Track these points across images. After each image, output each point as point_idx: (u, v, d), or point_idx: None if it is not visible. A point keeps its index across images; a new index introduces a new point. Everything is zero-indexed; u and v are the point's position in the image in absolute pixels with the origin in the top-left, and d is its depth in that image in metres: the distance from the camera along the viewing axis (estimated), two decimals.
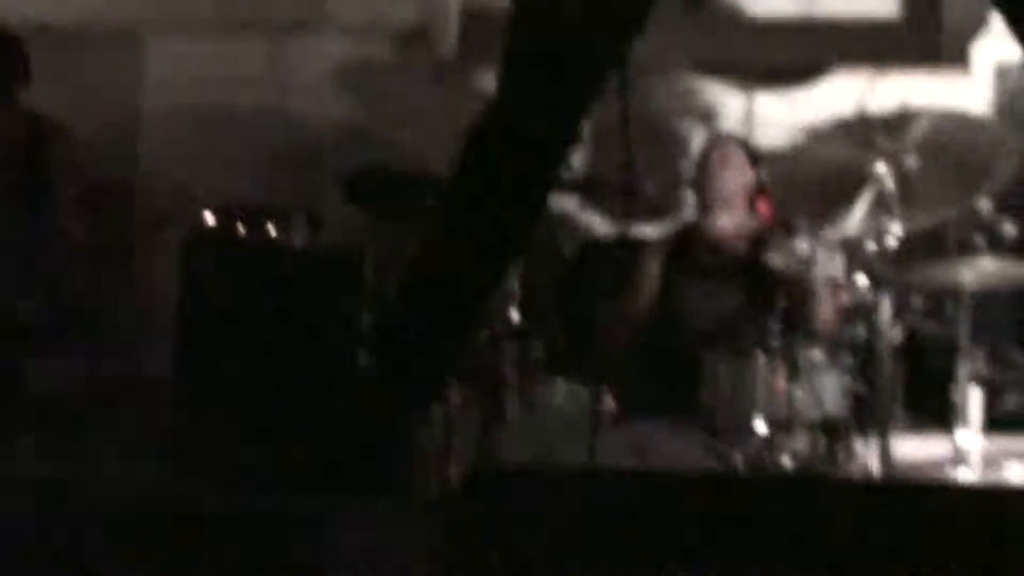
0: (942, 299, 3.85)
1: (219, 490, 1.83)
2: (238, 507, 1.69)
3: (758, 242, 4.27)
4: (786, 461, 3.36)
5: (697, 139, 4.56)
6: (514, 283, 3.91)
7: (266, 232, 4.93)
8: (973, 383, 3.55)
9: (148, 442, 4.98)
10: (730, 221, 4.40)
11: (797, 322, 3.64)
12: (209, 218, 4.90)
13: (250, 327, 4.85)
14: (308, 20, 5.72)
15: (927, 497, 1.40)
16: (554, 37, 1.96)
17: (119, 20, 5.64)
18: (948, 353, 3.61)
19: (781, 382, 3.49)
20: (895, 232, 3.52)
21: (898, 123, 3.87)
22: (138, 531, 1.65)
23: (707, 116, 5.36)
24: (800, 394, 3.46)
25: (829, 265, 3.70)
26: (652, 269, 4.41)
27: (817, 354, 3.56)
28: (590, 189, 4.44)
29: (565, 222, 4.82)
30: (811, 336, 3.65)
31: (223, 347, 4.85)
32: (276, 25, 5.77)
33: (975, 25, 5.03)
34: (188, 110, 5.74)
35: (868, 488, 1.83)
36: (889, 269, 3.46)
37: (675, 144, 4.85)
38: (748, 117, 5.32)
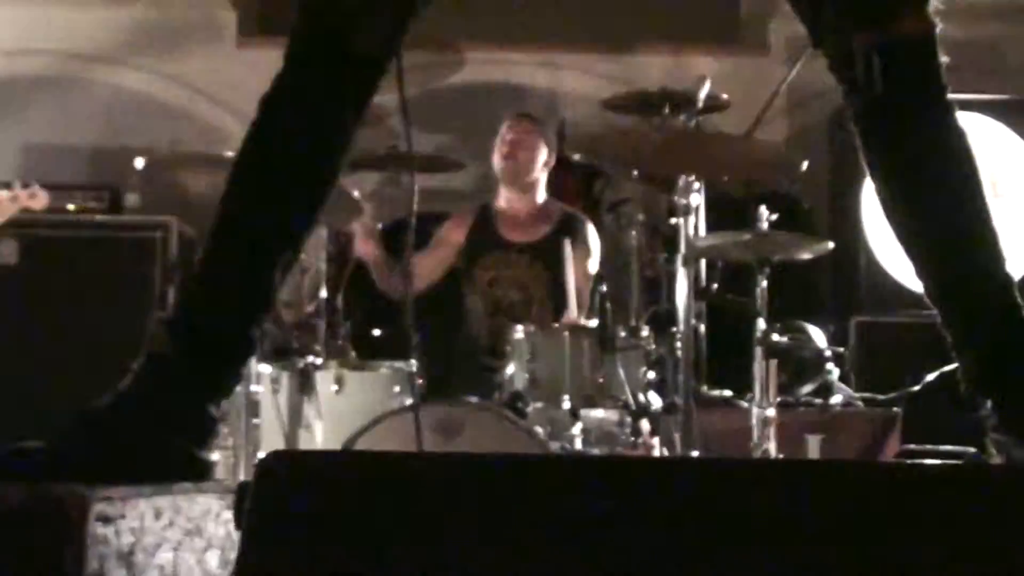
0: (740, 272, 3.86)
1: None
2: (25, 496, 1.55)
3: (561, 222, 4.26)
4: (594, 438, 3.33)
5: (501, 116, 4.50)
6: (323, 263, 3.82)
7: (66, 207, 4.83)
8: (767, 356, 3.56)
9: None
10: (527, 200, 4.37)
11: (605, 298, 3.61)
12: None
13: (48, 305, 4.75)
14: None
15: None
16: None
17: None
18: (747, 326, 3.63)
19: (587, 358, 3.46)
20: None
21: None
22: None
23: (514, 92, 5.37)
24: (607, 370, 3.43)
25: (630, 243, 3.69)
26: (452, 238, 4.38)
27: (622, 330, 3.53)
28: (391, 165, 4.33)
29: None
30: (617, 312, 3.62)
31: (19, 326, 4.75)
32: None
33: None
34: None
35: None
36: (690, 243, 3.44)
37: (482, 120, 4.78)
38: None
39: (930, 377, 3.48)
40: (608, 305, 3.54)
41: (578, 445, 3.30)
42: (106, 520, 1.55)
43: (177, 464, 1.79)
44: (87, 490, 1.54)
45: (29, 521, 1.52)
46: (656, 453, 3.27)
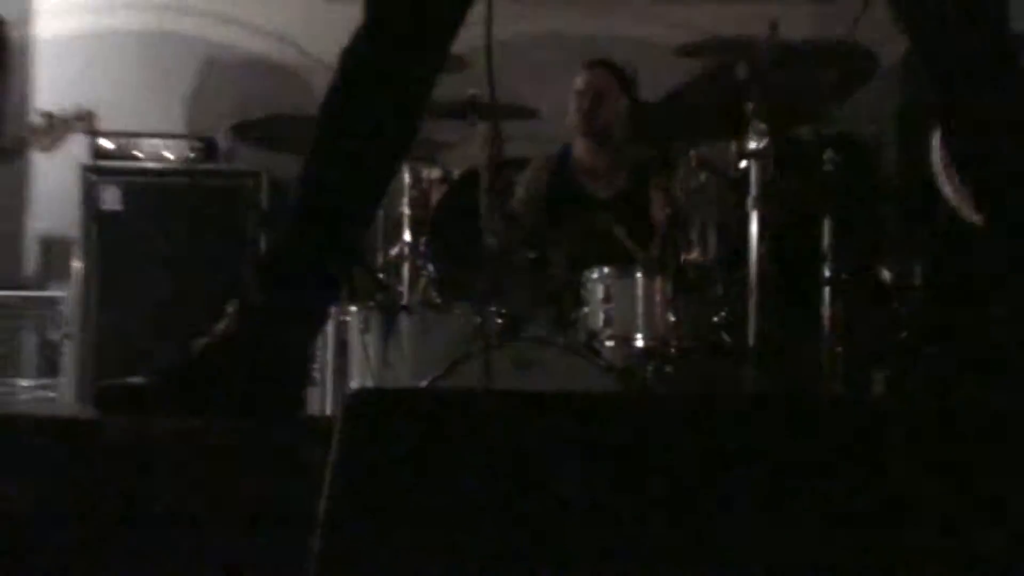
0: (808, 215, 3.81)
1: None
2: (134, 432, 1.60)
3: (637, 168, 4.22)
4: (667, 378, 3.34)
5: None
6: (405, 207, 3.85)
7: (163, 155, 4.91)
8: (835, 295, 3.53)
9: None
10: (604, 149, 4.33)
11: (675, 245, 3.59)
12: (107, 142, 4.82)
13: (151, 246, 4.86)
14: None
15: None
16: None
17: None
18: (815, 268, 3.60)
19: (661, 300, 3.46)
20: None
21: None
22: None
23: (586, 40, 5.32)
24: (680, 311, 3.43)
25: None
26: (532, 186, 4.34)
27: (694, 273, 3.52)
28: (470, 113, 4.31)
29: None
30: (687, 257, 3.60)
31: (125, 266, 4.85)
32: None
33: None
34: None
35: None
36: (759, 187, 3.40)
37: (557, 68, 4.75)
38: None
39: None
40: (680, 247, 3.53)
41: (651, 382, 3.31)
42: (190, 449, 1.59)
43: (270, 399, 1.84)
44: (171, 422, 1.59)
45: (116, 450, 1.57)
46: None
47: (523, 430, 1.21)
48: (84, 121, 3.33)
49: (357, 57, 1.91)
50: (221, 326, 1.90)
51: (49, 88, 5.55)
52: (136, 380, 1.81)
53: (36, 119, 3.34)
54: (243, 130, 4.39)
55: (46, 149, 3.44)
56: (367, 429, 1.31)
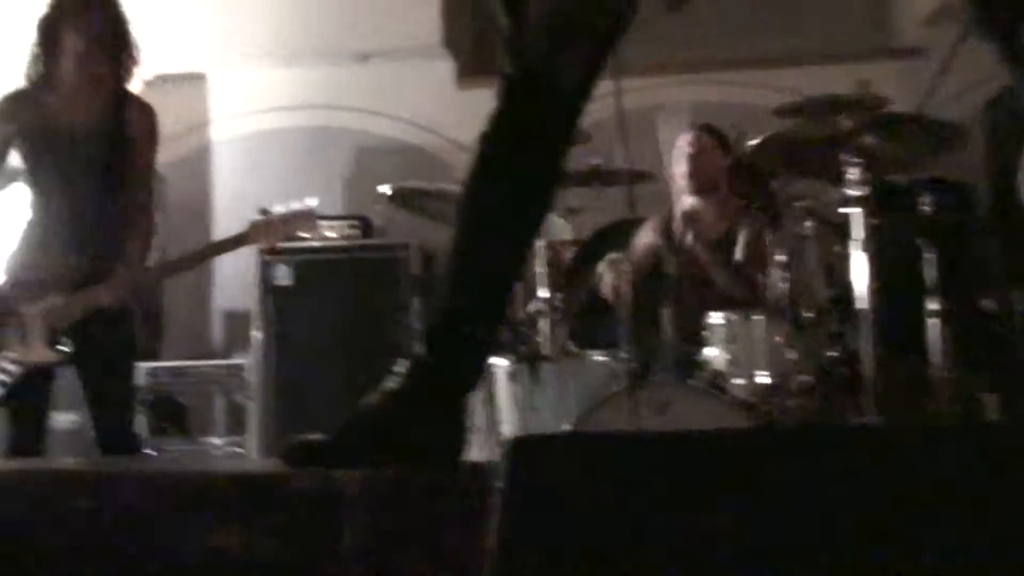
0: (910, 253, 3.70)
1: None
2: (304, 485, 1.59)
3: (737, 217, 4.16)
4: (791, 413, 3.24)
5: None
6: (542, 267, 3.84)
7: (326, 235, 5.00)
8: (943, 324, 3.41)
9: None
10: (707, 202, 4.27)
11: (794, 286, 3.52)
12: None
13: (319, 316, 4.95)
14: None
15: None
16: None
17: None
18: (921, 302, 3.49)
19: (781, 339, 3.38)
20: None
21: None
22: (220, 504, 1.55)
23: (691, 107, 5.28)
24: (798, 349, 3.35)
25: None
26: (645, 242, 4.31)
27: (807, 311, 3.43)
28: (594, 181, 4.29)
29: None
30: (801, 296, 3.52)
31: (298, 334, 4.96)
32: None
33: None
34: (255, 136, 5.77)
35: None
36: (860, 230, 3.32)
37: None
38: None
39: None
40: (794, 290, 3.46)
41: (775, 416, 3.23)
42: (368, 501, 1.59)
43: (431, 454, 1.82)
44: (353, 475, 1.58)
45: (305, 502, 1.56)
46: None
47: (684, 468, 1.17)
48: (306, 219, 3.29)
49: (494, 138, 1.90)
50: (391, 384, 1.89)
51: (225, 183, 5.72)
52: (318, 437, 1.82)
53: (257, 217, 3.33)
54: (395, 200, 4.45)
55: (269, 245, 3.43)
56: (533, 474, 1.28)
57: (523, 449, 1.34)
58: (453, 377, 1.87)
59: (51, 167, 3.18)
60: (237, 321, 5.42)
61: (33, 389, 3.15)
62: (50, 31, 3.17)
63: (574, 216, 4.28)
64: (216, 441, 5.00)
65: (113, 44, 3.19)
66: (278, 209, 3.32)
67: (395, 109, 5.70)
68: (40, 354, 3.08)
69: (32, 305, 3.09)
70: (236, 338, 5.44)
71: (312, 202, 3.35)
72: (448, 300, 1.92)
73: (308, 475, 1.58)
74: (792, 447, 1.18)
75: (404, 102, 5.70)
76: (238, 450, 4.95)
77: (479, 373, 1.98)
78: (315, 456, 1.74)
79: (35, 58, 3.21)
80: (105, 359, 3.16)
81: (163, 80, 4.81)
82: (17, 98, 3.24)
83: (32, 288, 3.11)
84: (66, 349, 3.08)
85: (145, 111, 3.27)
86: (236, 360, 5.20)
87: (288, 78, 5.76)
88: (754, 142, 3.89)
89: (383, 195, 4.22)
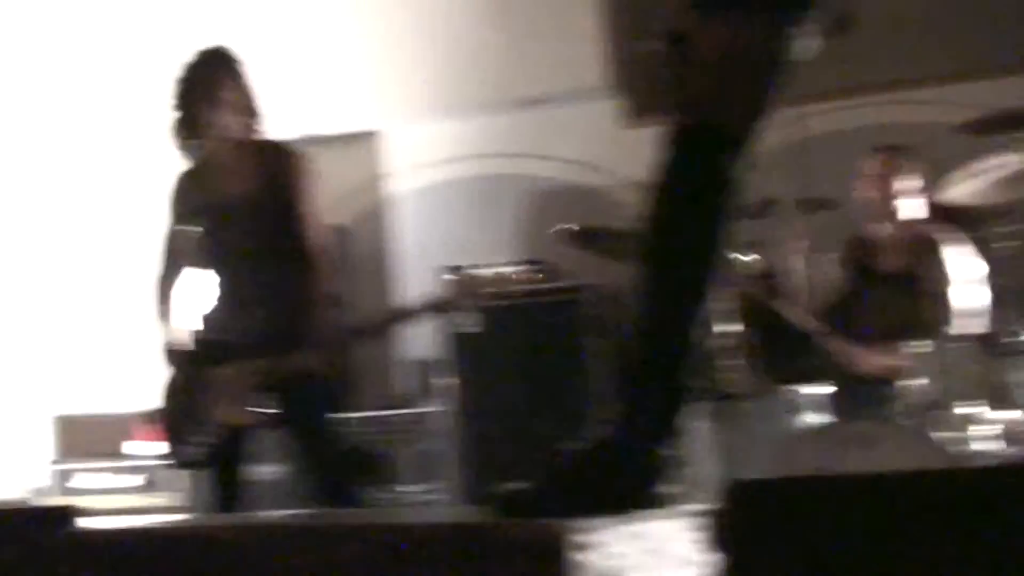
0: None
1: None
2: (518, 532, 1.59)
3: (923, 245, 4.00)
4: (996, 446, 3.09)
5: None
6: (730, 299, 3.78)
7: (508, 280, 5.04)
8: None
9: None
10: (896, 228, 4.12)
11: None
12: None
13: (503, 363, 5.00)
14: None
15: None
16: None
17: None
18: None
19: (979, 366, 3.24)
20: None
21: None
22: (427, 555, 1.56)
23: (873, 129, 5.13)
24: (999, 376, 3.20)
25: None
26: (835, 270, 4.20)
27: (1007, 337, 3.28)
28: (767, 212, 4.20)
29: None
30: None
31: (485, 380, 5.01)
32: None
33: None
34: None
35: None
36: None
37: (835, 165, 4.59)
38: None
39: None
40: (993, 316, 3.32)
41: (980, 447, 3.08)
42: (583, 548, 1.58)
43: (639, 500, 1.81)
44: (562, 524, 1.57)
45: (517, 553, 1.56)
46: None
47: (910, 512, 1.12)
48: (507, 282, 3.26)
49: (666, 182, 1.89)
50: (594, 430, 1.90)
51: (405, 235, 5.86)
52: (524, 485, 1.82)
53: (453, 278, 3.32)
54: (575, 240, 4.47)
55: (467, 308, 3.43)
56: (753, 517, 1.25)
57: (742, 493, 1.31)
58: (654, 422, 1.85)
59: (224, 238, 3.29)
60: (426, 369, 5.51)
61: (234, 449, 3.22)
62: (189, 106, 3.28)
63: (756, 249, 4.21)
64: (407, 489, 5.06)
65: (249, 103, 3.30)
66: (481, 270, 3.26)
67: (564, 152, 5.73)
68: (241, 416, 3.14)
69: (230, 368, 3.16)
70: (425, 386, 5.53)
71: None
72: (640, 345, 1.91)
73: (522, 524, 1.58)
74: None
75: (572, 145, 5.72)
76: (429, 498, 5.01)
77: (679, 417, 1.96)
78: (525, 505, 1.74)
79: (181, 132, 3.31)
80: (307, 418, 3.21)
81: (341, 139, 4.98)
82: (185, 178, 3.37)
83: (228, 351, 3.19)
84: (267, 411, 3.13)
85: (295, 159, 3.32)
86: (425, 408, 5.28)
87: (458, 129, 5.86)
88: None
89: (562, 234, 4.23)
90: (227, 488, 3.23)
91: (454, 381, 5.04)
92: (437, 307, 3.31)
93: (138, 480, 5.50)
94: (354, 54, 6.00)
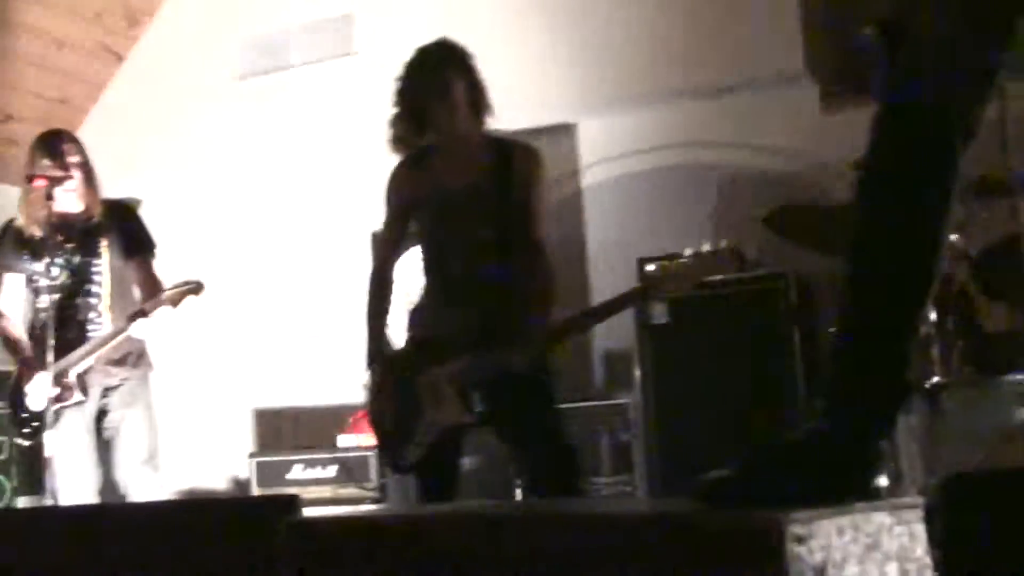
0: None
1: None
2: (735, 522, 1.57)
3: None
4: None
5: None
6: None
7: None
8: None
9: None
10: None
11: None
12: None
13: (697, 352, 4.95)
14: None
15: None
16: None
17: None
18: None
19: None
20: None
21: None
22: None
23: None
24: None
25: None
26: None
27: None
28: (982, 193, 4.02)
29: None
30: None
31: (677, 371, 4.97)
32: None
33: None
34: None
35: None
36: None
37: None
38: None
39: None
40: None
41: None
42: (799, 540, 1.55)
43: (854, 492, 1.77)
44: (780, 514, 1.55)
45: (732, 544, 1.54)
46: None
47: None
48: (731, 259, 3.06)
49: (879, 171, 1.83)
50: (806, 423, 1.86)
51: (598, 228, 5.86)
52: (728, 474, 1.80)
53: (651, 268, 3.15)
54: (772, 225, 4.37)
55: (681, 288, 3.24)
56: (966, 511, 1.21)
57: (955, 487, 1.28)
58: (872, 414, 1.81)
59: (443, 229, 3.21)
60: (617, 360, 5.52)
61: (446, 448, 3.15)
62: (414, 97, 3.20)
63: (960, 231, 4.04)
64: (602, 480, 5.08)
65: (478, 98, 3.22)
66: (688, 252, 3.10)
67: (758, 139, 5.63)
68: (454, 415, 3.05)
69: (441, 367, 3.06)
70: (617, 377, 5.54)
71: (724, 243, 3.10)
72: (858, 335, 1.86)
73: (736, 515, 1.56)
74: None
75: (767, 131, 5.62)
76: (626, 489, 5.01)
77: (897, 409, 1.90)
78: (732, 495, 1.73)
79: (402, 124, 3.23)
80: (524, 414, 3.09)
81: (536, 132, 5.01)
82: (405, 168, 3.31)
83: (438, 349, 3.11)
84: (479, 410, 3.03)
85: (529, 154, 3.23)
86: (618, 400, 5.28)
87: (651, 119, 5.84)
88: None
89: (763, 222, 4.13)
90: (436, 488, 3.14)
91: (647, 372, 5.02)
92: (635, 298, 3.16)
93: (331, 471, 5.68)
94: (547, 46, 6.04)
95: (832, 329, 1.96)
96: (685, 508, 1.67)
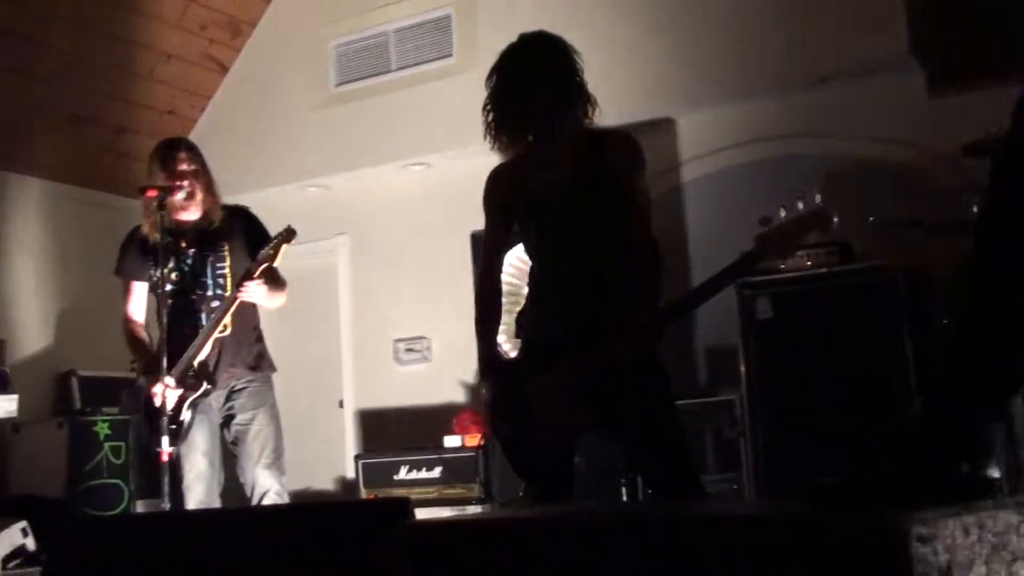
0: None
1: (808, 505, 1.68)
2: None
3: None
4: None
5: None
6: None
7: (804, 264, 4.89)
8: None
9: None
10: None
11: None
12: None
13: (803, 350, 4.85)
14: None
15: None
16: None
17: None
18: None
19: None
20: None
21: None
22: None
23: None
24: None
25: None
26: None
27: None
28: None
29: None
30: None
31: (782, 367, 4.88)
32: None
33: None
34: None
35: None
36: None
37: None
38: None
39: None
40: None
41: None
42: (923, 541, 1.50)
43: (971, 485, 1.71)
44: (903, 515, 1.50)
45: (855, 546, 1.50)
46: None
47: None
48: (819, 219, 2.77)
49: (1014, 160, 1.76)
50: (910, 420, 1.80)
51: (697, 222, 5.80)
52: (842, 478, 1.75)
53: (761, 229, 2.86)
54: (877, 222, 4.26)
55: (783, 256, 3.04)
56: None
57: None
58: (977, 411, 1.75)
59: (544, 229, 3.16)
60: (720, 357, 5.45)
61: (561, 451, 3.05)
62: (515, 91, 3.08)
63: None
64: (709, 478, 5.02)
65: (579, 92, 3.13)
66: (783, 214, 2.87)
67: (861, 128, 5.51)
68: (567, 418, 2.95)
69: (552, 369, 2.96)
70: (721, 374, 5.47)
71: (819, 199, 2.87)
72: (969, 331, 1.80)
73: (857, 517, 1.52)
74: None
75: (870, 120, 5.49)
76: (733, 487, 4.94)
77: (1003, 403, 1.84)
78: (849, 496, 1.68)
79: (503, 118, 3.11)
80: (635, 414, 2.96)
81: (635, 127, 4.97)
82: (500, 173, 3.24)
83: (547, 351, 3.01)
84: (591, 411, 2.91)
85: (623, 142, 3.13)
86: (723, 396, 5.21)
87: (750, 111, 5.76)
88: None
89: (870, 221, 4.02)
90: (555, 489, 3.07)
91: (752, 368, 4.94)
92: (750, 263, 2.94)
93: (436, 472, 5.71)
94: (647, 40, 5.99)
95: (945, 320, 1.90)
96: (803, 510, 1.62)
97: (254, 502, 4.17)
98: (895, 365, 4.59)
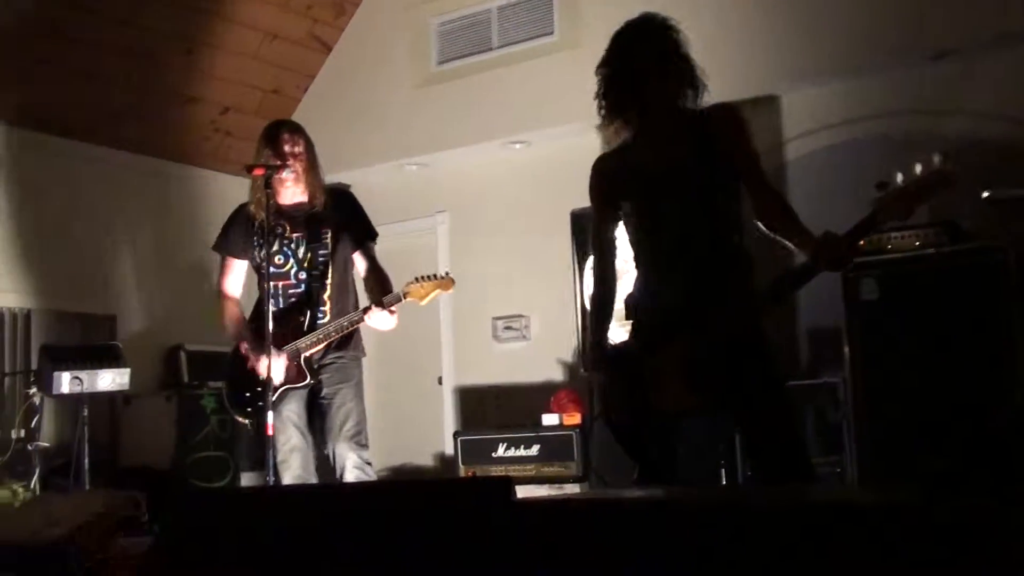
0: None
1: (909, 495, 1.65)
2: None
3: None
4: None
5: None
6: None
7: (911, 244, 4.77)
8: None
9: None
10: None
11: None
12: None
13: (909, 331, 4.74)
14: None
15: None
16: None
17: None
18: None
19: None
20: None
21: None
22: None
23: None
24: None
25: None
26: None
27: None
28: None
29: None
30: None
31: (888, 349, 4.77)
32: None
33: None
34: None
35: None
36: None
37: None
38: None
39: None
40: None
41: None
42: None
43: None
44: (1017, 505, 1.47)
45: (959, 535, 1.47)
46: None
47: None
48: (941, 179, 2.67)
49: None
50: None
51: (801, 200, 5.69)
52: (946, 466, 1.71)
53: (877, 194, 2.77)
54: (994, 203, 4.14)
55: (902, 218, 2.94)
56: None
57: None
58: None
59: (652, 212, 3.12)
60: (824, 338, 5.36)
61: (667, 432, 3.00)
62: (627, 70, 3.07)
63: None
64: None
65: (688, 71, 3.10)
66: (900, 177, 2.77)
67: (975, 105, 5.35)
68: (678, 400, 2.93)
69: (661, 351, 2.96)
70: (824, 356, 5.38)
71: (938, 160, 2.75)
72: None
73: (967, 504, 1.49)
74: None
75: (984, 96, 5.33)
76: (836, 470, 4.87)
77: None
78: (957, 483, 1.65)
79: (615, 96, 3.10)
80: (752, 393, 2.91)
81: (740, 105, 4.91)
82: (605, 162, 3.23)
83: (657, 333, 3.00)
84: (702, 393, 2.88)
85: (724, 114, 3.10)
86: (826, 378, 5.14)
87: (858, 88, 5.64)
88: None
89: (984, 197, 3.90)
90: (660, 470, 3.05)
91: (856, 350, 4.85)
92: (868, 228, 2.86)
93: (534, 450, 5.73)
94: (752, 17, 5.90)
95: None
96: (910, 497, 1.59)
97: (336, 474, 4.24)
98: (1004, 349, 4.46)
